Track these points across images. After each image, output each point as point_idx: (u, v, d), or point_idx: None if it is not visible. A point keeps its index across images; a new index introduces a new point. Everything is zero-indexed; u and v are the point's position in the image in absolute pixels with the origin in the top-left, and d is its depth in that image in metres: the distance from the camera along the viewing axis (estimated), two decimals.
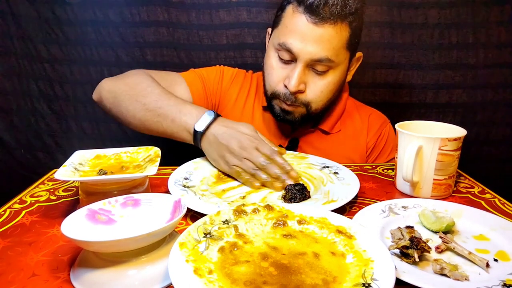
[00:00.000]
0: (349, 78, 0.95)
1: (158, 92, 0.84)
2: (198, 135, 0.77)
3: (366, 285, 0.41)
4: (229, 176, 0.78)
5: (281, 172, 0.73)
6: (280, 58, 0.86)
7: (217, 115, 0.79)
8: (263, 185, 0.74)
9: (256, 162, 0.73)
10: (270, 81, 0.90)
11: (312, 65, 0.84)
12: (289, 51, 0.83)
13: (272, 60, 0.88)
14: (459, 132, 0.73)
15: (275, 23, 0.89)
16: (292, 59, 0.85)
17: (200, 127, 0.77)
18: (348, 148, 0.98)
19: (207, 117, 0.78)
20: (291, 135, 0.98)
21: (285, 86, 0.86)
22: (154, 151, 0.71)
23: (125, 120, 0.87)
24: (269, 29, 0.94)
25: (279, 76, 0.87)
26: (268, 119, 0.97)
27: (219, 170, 0.80)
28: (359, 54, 0.93)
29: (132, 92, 0.85)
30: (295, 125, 0.94)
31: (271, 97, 0.91)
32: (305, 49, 0.81)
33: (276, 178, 0.73)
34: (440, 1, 1.16)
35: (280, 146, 0.93)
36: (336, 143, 0.97)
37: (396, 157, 0.76)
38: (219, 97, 1.00)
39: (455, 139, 0.70)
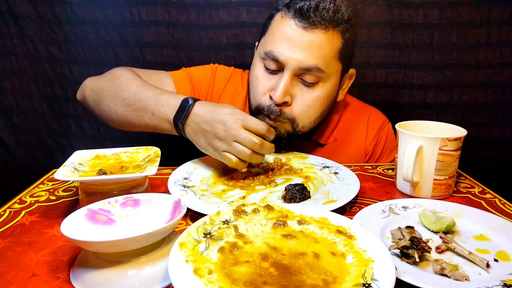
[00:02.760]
0: (340, 97, 0.90)
1: (136, 84, 0.79)
2: (179, 126, 0.73)
3: (367, 285, 0.41)
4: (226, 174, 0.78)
5: (269, 150, 0.72)
6: (266, 69, 0.82)
7: (194, 100, 0.74)
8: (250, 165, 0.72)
9: (246, 145, 0.69)
10: (254, 93, 0.84)
11: (300, 75, 0.79)
12: (275, 60, 0.78)
13: (257, 70, 0.83)
14: (460, 132, 0.73)
15: (262, 33, 0.86)
16: (279, 69, 0.80)
17: (179, 118, 0.73)
18: (346, 156, 0.93)
19: (184, 105, 0.73)
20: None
21: (271, 98, 0.80)
22: (154, 151, 0.71)
23: (107, 118, 0.83)
24: (257, 43, 0.91)
25: (264, 87, 0.82)
26: None
27: (223, 168, 0.80)
28: (352, 70, 0.89)
29: (111, 87, 0.81)
30: (281, 143, 0.85)
31: (255, 113, 0.85)
32: (293, 57, 0.77)
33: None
34: (440, 1, 1.15)
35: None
36: (333, 153, 0.92)
37: (396, 157, 0.76)
38: (210, 99, 0.95)
39: (456, 139, 0.70)
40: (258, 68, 0.84)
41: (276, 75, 0.81)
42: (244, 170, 0.74)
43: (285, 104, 0.80)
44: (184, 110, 0.73)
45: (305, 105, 0.81)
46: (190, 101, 0.74)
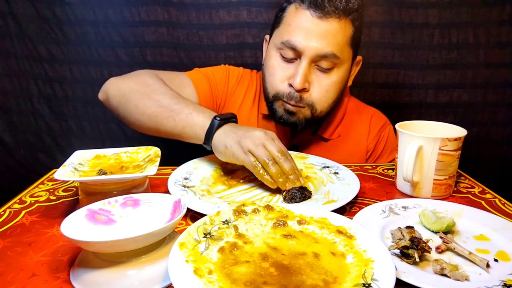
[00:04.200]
0: (349, 83, 0.94)
1: (173, 94, 0.82)
2: (215, 124, 0.73)
3: (367, 285, 0.41)
4: (232, 176, 0.78)
5: (291, 170, 0.69)
6: (283, 58, 0.85)
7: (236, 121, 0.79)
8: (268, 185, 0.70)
9: (271, 151, 0.69)
10: (272, 82, 0.88)
11: (317, 62, 0.83)
12: (293, 48, 0.82)
13: (273, 60, 0.87)
14: (460, 132, 0.73)
15: (275, 24, 0.89)
16: (296, 57, 0.84)
17: (222, 117, 0.74)
18: (348, 152, 0.97)
19: (230, 115, 0.77)
20: (291, 141, 0.97)
21: (290, 85, 0.85)
22: (154, 151, 0.71)
23: (131, 117, 0.83)
24: (267, 36, 0.94)
25: (282, 75, 0.86)
26: (267, 126, 0.95)
27: (223, 168, 0.79)
28: (359, 58, 0.93)
29: (144, 90, 0.82)
30: (298, 128, 0.90)
31: (273, 100, 0.89)
32: (310, 45, 0.81)
33: (286, 174, 0.69)
34: (440, 1, 1.16)
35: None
36: (336, 149, 0.97)
37: (396, 157, 0.76)
38: (224, 99, 0.99)
39: (456, 139, 0.70)
40: (274, 58, 0.87)
41: (293, 64, 0.85)
42: (265, 179, 0.70)
43: (304, 90, 0.85)
44: (229, 117, 0.76)
45: (323, 90, 0.86)
46: (234, 117, 0.78)
